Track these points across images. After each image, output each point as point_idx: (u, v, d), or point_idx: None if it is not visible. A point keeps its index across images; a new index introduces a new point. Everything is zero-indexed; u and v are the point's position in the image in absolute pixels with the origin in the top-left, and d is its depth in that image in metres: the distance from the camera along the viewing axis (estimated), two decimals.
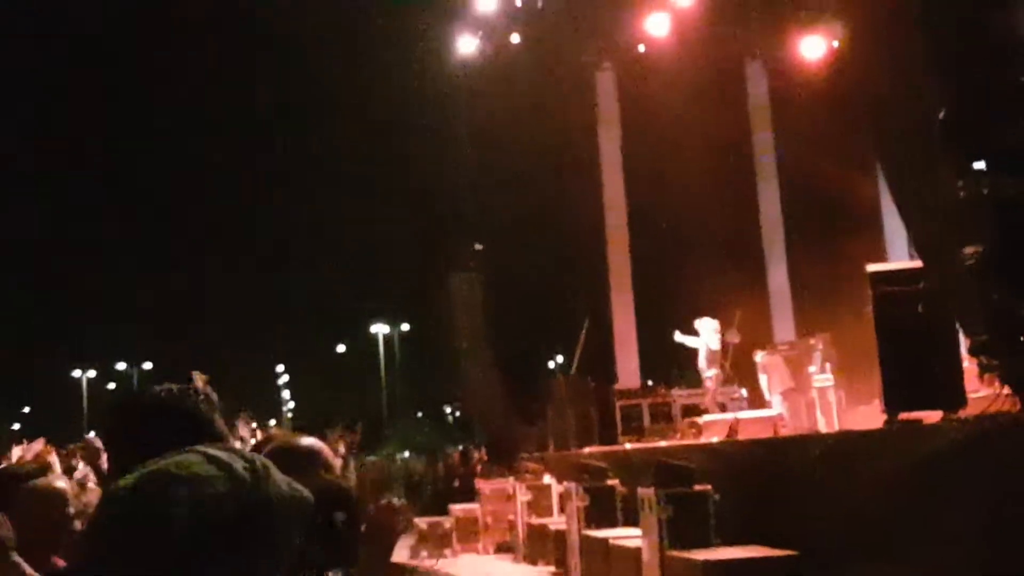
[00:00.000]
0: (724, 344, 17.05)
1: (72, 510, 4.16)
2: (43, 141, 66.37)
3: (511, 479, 20.05)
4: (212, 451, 1.63)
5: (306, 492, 1.71)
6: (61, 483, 4.19)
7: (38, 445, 13.40)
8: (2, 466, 6.68)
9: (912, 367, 9.70)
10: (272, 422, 51.86)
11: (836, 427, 13.51)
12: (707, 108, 19.02)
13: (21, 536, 3.71)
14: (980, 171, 7.83)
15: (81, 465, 11.35)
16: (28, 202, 65.43)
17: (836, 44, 16.72)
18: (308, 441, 2.86)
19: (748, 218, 19.89)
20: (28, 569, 3.21)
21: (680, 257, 19.14)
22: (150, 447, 1.73)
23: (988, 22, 7.91)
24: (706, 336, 17.04)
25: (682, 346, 17.53)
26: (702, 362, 17.20)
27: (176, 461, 1.61)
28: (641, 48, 19.66)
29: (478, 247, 28.09)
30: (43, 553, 3.82)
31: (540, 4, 19.35)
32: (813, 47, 17.54)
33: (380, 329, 60.71)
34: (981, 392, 9.08)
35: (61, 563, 3.84)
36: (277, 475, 1.67)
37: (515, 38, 20.55)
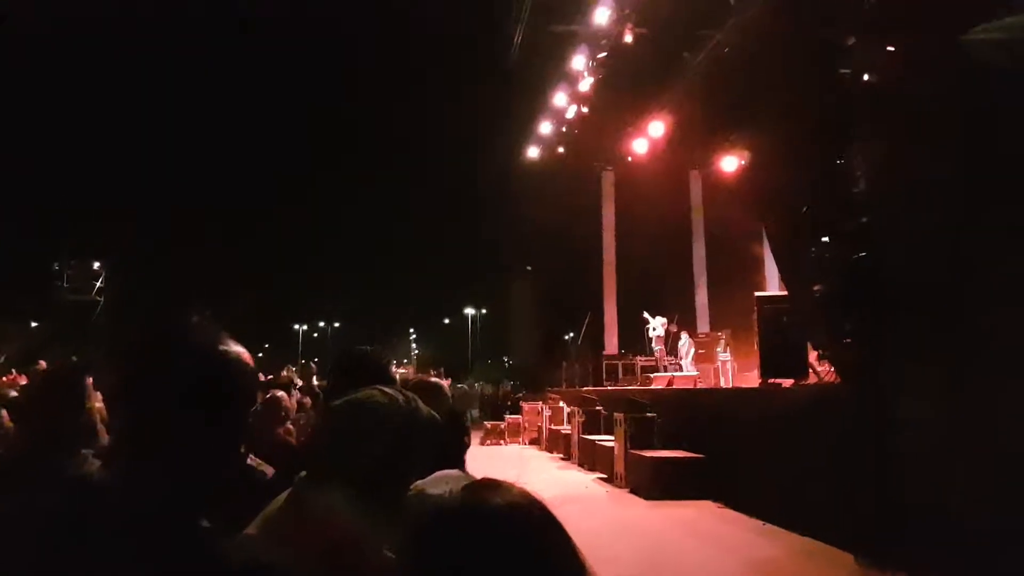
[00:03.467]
0: (668, 332, 16.98)
1: (289, 406, 4.23)
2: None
3: (540, 403, 20.13)
4: (385, 389, 1.69)
5: (438, 417, 1.74)
6: (282, 393, 4.25)
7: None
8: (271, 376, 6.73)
9: (777, 352, 9.63)
10: (405, 360, 52.25)
11: (731, 384, 13.42)
12: (666, 196, 18.96)
13: (263, 419, 3.78)
14: (825, 242, 7.76)
15: (297, 379, 11.62)
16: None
17: (743, 163, 16.57)
18: (434, 380, 2.85)
19: (686, 261, 19.77)
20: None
21: (645, 281, 19.02)
22: (355, 382, 1.79)
23: (833, 161, 7.84)
24: (658, 327, 17.01)
25: (645, 327, 17.49)
26: (654, 342, 17.17)
27: (366, 393, 1.67)
28: (629, 159, 19.58)
29: (529, 268, 28.11)
30: (273, 429, 3.87)
31: (576, 131, 19.32)
32: (729, 163, 17.36)
33: (470, 311, 61.27)
34: (818, 369, 9.01)
35: (284, 434, 3.91)
36: (422, 405, 1.71)
37: (560, 149, 20.56)
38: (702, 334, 16.76)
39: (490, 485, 0.95)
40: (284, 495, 1.59)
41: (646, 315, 17.35)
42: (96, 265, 27.80)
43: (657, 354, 17.13)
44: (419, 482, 1.70)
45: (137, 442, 1.15)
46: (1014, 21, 5.96)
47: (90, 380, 2.35)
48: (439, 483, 1.65)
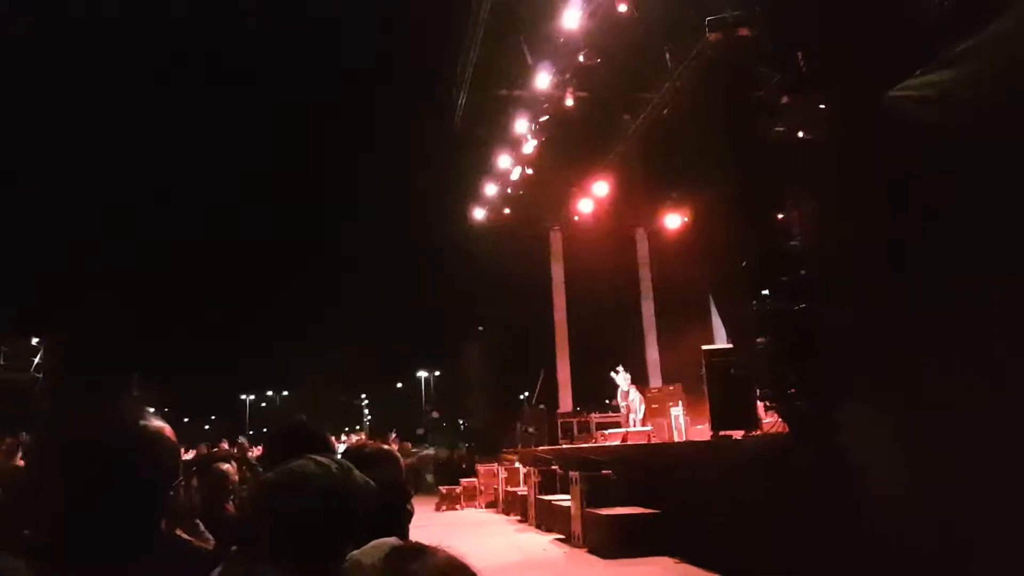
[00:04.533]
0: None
1: (235, 479, 4.13)
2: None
3: (496, 464, 19.86)
4: (319, 458, 1.68)
5: (372, 484, 1.73)
6: (227, 466, 4.16)
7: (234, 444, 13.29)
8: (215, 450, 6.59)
9: (727, 405, 9.69)
10: (357, 427, 51.38)
11: (684, 438, 13.45)
12: (613, 254, 19.29)
13: (210, 493, 3.67)
14: (765, 296, 7.93)
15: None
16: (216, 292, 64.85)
17: (686, 220, 16.96)
18: (387, 448, 2.78)
19: (636, 317, 19.97)
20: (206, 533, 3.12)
21: (597, 338, 19.16)
22: (289, 453, 1.77)
23: (770, 216, 8.08)
24: (623, 383, 16.72)
25: (611, 382, 17.09)
26: (620, 397, 16.63)
27: (298, 464, 1.66)
28: (576, 218, 19.94)
29: (480, 329, 28.10)
30: (220, 503, 3.75)
31: (521, 192, 19.60)
32: (673, 221, 17.75)
33: (422, 373, 60.72)
34: (767, 420, 9.08)
35: (231, 508, 3.79)
36: (356, 473, 1.71)
37: (507, 210, 20.82)
38: (654, 389, 16.78)
39: (414, 551, 0.94)
40: (217, 570, 1.57)
41: (612, 374, 17.05)
42: (34, 341, 27.02)
43: (623, 410, 16.75)
44: (354, 552, 1.67)
45: (56, 520, 1.15)
46: (927, 79, 6.30)
47: None
48: (373, 552, 1.62)
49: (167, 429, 1.28)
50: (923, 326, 6.08)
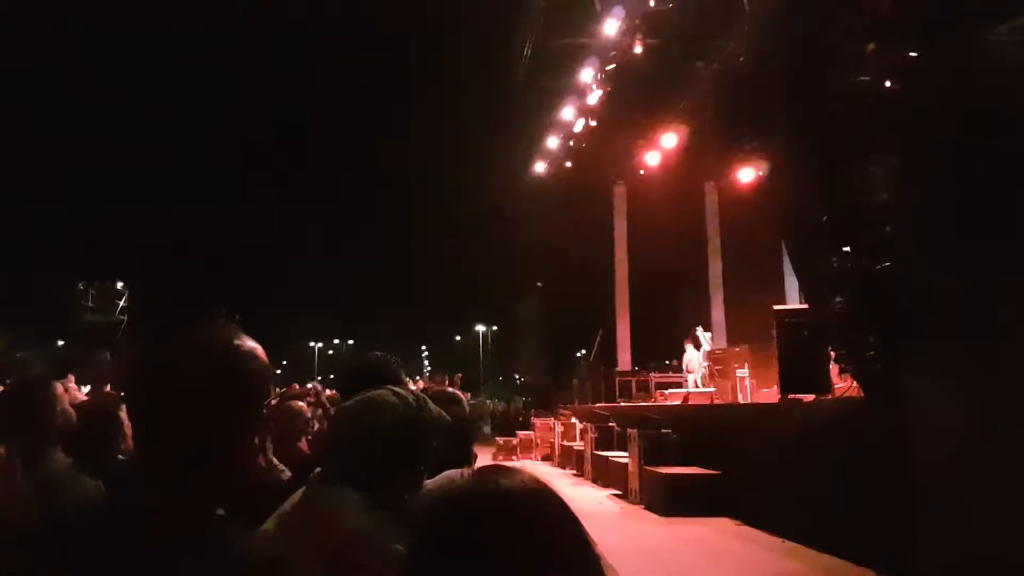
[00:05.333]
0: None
1: (308, 417, 4.24)
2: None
3: (552, 419, 20.06)
4: (396, 389, 1.79)
5: (447, 417, 1.80)
6: (300, 404, 4.25)
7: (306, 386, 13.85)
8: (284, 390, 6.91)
9: (798, 367, 9.51)
10: (417, 377, 52.44)
11: (749, 401, 13.29)
12: (680, 209, 18.93)
13: (282, 430, 3.75)
14: (847, 252, 7.68)
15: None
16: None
17: (760, 174, 16.50)
18: (451, 390, 2.90)
19: (701, 275, 19.68)
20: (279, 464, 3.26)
21: (659, 297, 18.96)
22: (367, 384, 1.86)
23: (846, 176, 7.78)
24: (705, 342, 16.32)
25: (686, 341, 16.36)
26: (703, 358, 15.95)
27: (377, 393, 1.76)
28: (642, 172, 19.58)
29: (539, 285, 28.13)
30: (292, 441, 3.84)
31: (584, 145, 19.36)
32: (746, 174, 17.30)
33: (480, 328, 61.46)
34: (840, 384, 8.88)
35: (304, 447, 3.88)
36: (431, 405, 1.82)
37: (569, 164, 20.61)
38: (718, 350, 16.49)
39: (501, 469, 0.97)
40: (299, 493, 1.69)
41: (698, 333, 16.49)
42: (119, 285, 28.35)
43: (706, 370, 15.92)
44: (428, 481, 1.73)
45: (151, 436, 1.17)
46: None
47: (59, 388, 2.53)
48: (446, 481, 1.67)
49: (259, 349, 1.29)
50: (1008, 295, 5.81)
